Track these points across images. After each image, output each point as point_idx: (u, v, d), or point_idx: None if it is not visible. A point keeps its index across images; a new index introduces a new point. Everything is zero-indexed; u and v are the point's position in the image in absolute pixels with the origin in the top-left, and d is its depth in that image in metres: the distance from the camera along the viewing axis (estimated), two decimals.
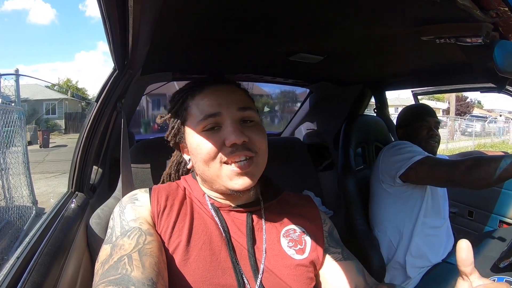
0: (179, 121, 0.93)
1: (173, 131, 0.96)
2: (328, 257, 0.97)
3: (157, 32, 0.90)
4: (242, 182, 0.85)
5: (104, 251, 0.78)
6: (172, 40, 1.10)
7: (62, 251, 0.92)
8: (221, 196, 0.94)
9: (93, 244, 1.10)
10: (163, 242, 0.84)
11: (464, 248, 0.64)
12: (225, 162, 0.85)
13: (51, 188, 7.74)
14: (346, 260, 0.97)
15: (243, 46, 1.24)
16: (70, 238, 1.00)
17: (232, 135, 0.83)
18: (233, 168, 0.84)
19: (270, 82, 2.15)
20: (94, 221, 1.10)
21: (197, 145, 0.87)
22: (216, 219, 0.90)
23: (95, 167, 1.40)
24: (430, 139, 1.86)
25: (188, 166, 0.97)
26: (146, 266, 0.71)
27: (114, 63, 1.09)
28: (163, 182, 1.10)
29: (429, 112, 1.92)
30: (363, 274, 0.96)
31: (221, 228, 0.89)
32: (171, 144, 1.00)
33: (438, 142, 1.90)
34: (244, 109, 0.89)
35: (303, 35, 1.14)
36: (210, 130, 0.86)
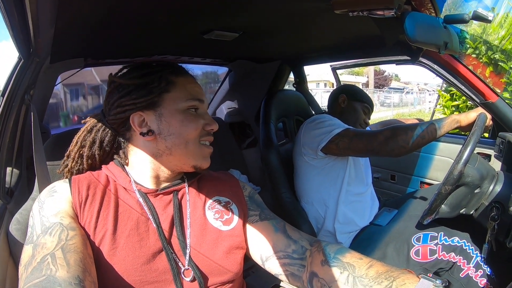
0: (158, 89, 0.92)
1: (143, 97, 0.91)
2: (247, 221, 1.01)
3: (60, 13, 0.82)
4: (208, 161, 0.96)
5: (26, 252, 0.73)
6: (79, 23, 1.02)
7: None
8: (149, 181, 0.94)
9: (16, 253, 1.01)
10: (88, 235, 0.81)
11: None
12: (201, 143, 0.94)
13: None
14: (262, 220, 1.01)
15: (155, 26, 1.18)
16: None
17: (213, 123, 0.96)
18: (207, 149, 0.96)
19: (187, 62, 2.10)
20: (14, 227, 1.01)
21: (182, 121, 0.91)
22: (143, 204, 0.89)
23: (9, 169, 1.28)
24: (363, 124, 1.97)
25: (147, 138, 0.90)
26: (71, 264, 0.68)
27: (18, 51, 0.99)
28: (79, 169, 1.01)
29: (372, 108, 2.03)
30: (283, 231, 0.98)
31: (148, 212, 0.88)
32: (114, 112, 0.93)
33: None
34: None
35: (216, 11, 1.11)
36: (193, 111, 0.94)
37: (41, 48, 1.00)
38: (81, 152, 0.98)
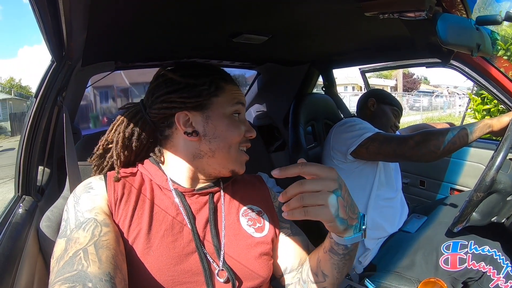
0: (208, 93, 0.93)
1: (193, 98, 0.92)
2: (280, 233, 1.02)
3: (92, 18, 0.85)
4: (244, 168, 0.99)
5: (59, 245, 0.74)
6: (110, 27, 1.05)
7: (13, 260, 0.87)
8: (186, 181, 0.95)
9: (46, 249, 1.04)
10: (122, 232, 0.82)
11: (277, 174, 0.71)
12: (240, 148, 0.97)
13: (1, 195, 7.41)
14: (294, 235, 1.03)
15: (185, 30, 1.20)
16: (20, 246, 0.94)
17: (253, 130, 0.98)
18: (245, 156, 0.98)
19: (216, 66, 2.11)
20: (44, 224, 1.04)
21: (228, 125, 0.93)
22: (179, 203, 0.90)
23: (41, 168, 1.32)
24: (394, 127, 1.96)
25: (191, 138, 0.91)
26: (103, 260, 0.69)
27: (51, 55, 1.02)
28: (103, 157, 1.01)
29: (402, 111, 2.04)
30: (307, 248, 1.03)
31: (183, 213, 0.89)
32: (158, 107, 0.93)
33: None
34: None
35: (245, 14, 1.12)
36: (236, 117, 0.96)
37: (74, 52, 1.02)
38: (119, 141, 0.97)
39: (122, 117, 0.99)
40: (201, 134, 0.92)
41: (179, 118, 0.91)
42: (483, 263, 1.38)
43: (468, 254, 1.40)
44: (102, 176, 0.91)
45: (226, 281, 0.86)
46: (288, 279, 1.01)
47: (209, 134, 0.92)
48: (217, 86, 0.94)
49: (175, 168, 0.95)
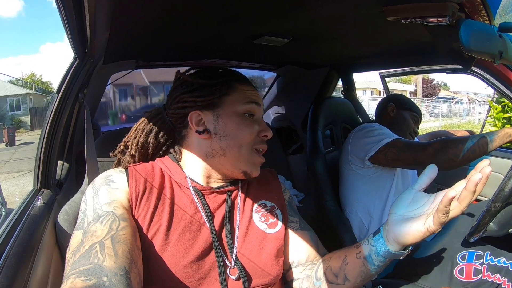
0: (220, 92, 0.95)
1: (204, 97, 0.94)
2: (288, 227, 1.04)
3: (115, 17, 0.87)
4: (259, 171, 0.98)
5: (75, 238, 0.75)
6: (132, 27, 1.07)
7: (30, 251, 0.88)
8: (202, 179, 0.96)
9: (62, 242, 1.06)
10: (141, 228, 0.83)
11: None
12: (254, 149, 0.96)
13: (19, 187, 7.56)
14: (302, 230, 1.05)
15: (206, 30, 1.21)
16: (37, 237, 0.96)
17: (268, 130, 0.97)
18: (259, 158, 0.97)
19: (236, 67, 2.11)
20: (62, 217, 1.06)
21: (238, 124, 0.93)
22: (197, 202, 0.91)
23: (60, 162, 1.35)
24: (412, 133, 1.94)
25: (202, 136, 0.93)
26: (119, 255, 0.69)
27: (73, 52, 1.04)
28: (124, 149, 1.03)
29: (421, 117, 2.02)
30: (316, 244, 1.04)
31: (201, 211, 0.90)
32: (175, 107, 0.97)
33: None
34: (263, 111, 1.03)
35: (267, 16, 1.12)
36: (249, 117, 0.96)
37: (96, 50, 1.04)
38: (136, 137, 1.00)
39: (144, 118, 1.04)
40: (212, 132, 0.93)
41: (192, 118, 0.94)
42: (498, 275, 1.35)
43: (483, 265, 1.37)
44: (123, 170, 0.92)
45: (237, 279, 0.87)
46: (295, 273, 1.02)
47: (219, 132, 0.93)
48: (229, 86, 0.96)
49: (192, 166, 0.97)
